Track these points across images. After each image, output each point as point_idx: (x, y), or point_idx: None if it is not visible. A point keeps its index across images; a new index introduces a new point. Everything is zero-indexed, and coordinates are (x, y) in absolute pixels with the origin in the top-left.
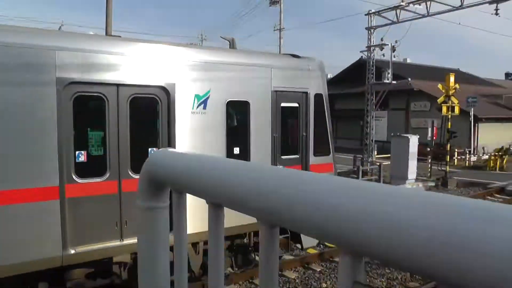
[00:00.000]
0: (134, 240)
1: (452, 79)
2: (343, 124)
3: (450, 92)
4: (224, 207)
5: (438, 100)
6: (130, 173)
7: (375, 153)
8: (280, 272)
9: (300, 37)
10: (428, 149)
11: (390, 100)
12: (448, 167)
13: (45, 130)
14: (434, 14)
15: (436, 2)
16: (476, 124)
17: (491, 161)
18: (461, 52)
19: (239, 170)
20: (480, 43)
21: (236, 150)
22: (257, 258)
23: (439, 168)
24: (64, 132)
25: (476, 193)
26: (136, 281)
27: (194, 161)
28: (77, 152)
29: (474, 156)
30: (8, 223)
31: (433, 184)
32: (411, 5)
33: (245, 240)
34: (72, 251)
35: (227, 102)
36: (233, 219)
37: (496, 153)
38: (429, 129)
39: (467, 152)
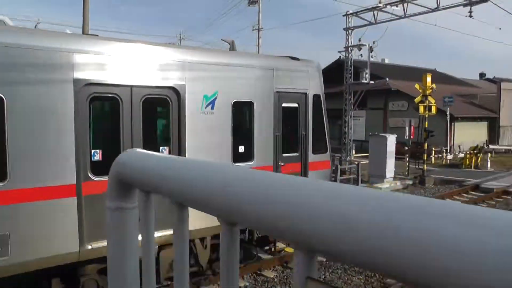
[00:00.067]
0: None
1: (429, 79)
2: None
3: (427, 92)
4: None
5: (415, 100)
6: None
7: (354, 152)
8: (259, 272)
9: (279, 37)
10: (406, 148)
11: (368, 100)
12: (425, 165)
13: (63, 130)
14: (410, 16)
15: (413, 3)
16: (453, 123)
17: (467, 159)
18: (438, 53)
19: (201, 171)
20: (455, 44)
21: (241, 149)
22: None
23: (417, 166)
24: (81, 131)
25: (452, 191)
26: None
27: (161, 161)
28: (92, 151)
29: (451, 154)
30: (31, 220)
31: (410, 182)
32: (388, 6)
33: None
34: (89, 247)
35: (233, 103)
36: None
37: (472, 151)
38: (407, 128)
39: (444, 150)
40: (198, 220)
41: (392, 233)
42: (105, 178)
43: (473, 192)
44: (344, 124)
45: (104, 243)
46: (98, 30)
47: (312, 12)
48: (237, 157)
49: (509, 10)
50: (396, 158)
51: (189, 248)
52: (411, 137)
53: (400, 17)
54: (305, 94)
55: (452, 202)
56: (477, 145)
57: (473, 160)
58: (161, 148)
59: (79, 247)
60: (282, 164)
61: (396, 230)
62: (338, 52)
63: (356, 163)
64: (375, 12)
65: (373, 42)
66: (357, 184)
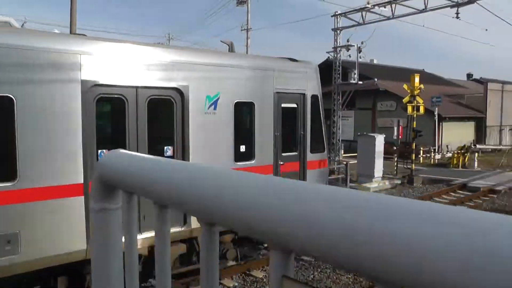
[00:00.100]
0: (151, 234)
1: (417, 79)
2: None
3: (415, 92)
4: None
5: (403, 100)
6: None
7: (342, 152)
8: (247, 272)
9: (268, 37)
10: (394, 147)
11: (357, 100)
12: (413, 165)
13: (71, 130)
14: (398, 17)
15: (401, 4)
16: (440, 123)
17: (454, 159)
18: (426, 54)
19: (182, 172)
20: (443, 45)
21: (242, 148)
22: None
23: (405, 166)
24: (88, 131)
25: (440, 190)
26: (150, 271)
27: (143, 163)
28: (99, 151)
29: (439, 154)
30: (40, 218)
31: (399, 182)
32: (376, 7)
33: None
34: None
35: (235, 103)
36: None
37: (459, 151)
38: (395, 128)
39: (432, 150)
40: None
41: (362, 232)
42: None
43: (460, 191)
44: (333, 124)
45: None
46: (85, 30)
47: (301, 13)
48: (239, 157)
49: (495, 12)
50: (384, 158)
51: (193, 245)
52: (400, 137)
53: (388, 18)
54: (304, 94)
55: (425, 202)
56: (465, 145)
57: (461, 160)
58: (165, 147)
59: (86, 245)
60: (281, 163)
61: (366, 229)
62: (327, 52)
63: (345, 163)
64: (363, 13)
65: (362, 43)
66: (346, 184)
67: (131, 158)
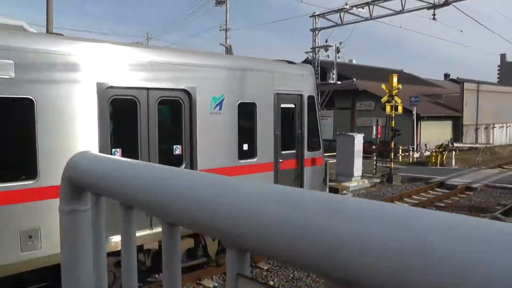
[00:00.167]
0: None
1: (395, 79)
2: None
3: (394, 92)
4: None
5: (382, 100)
6: None
7: None
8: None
9: (247, 37)
10: (373, 146)
11: (336, 100)
12: (392, 163)
13: (88, 130)
14: (376, 18)
15: (379, 6)
16: (419, 122)
17: (433, 157)
18: (405, 54)
19: (144, 173)
20: (421, 46)
21: (245, 147)
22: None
23: (384, 165)
24: (103, 132)
25: (419, 188)
26: (159, 267)
27: (109, 164)
28: (113, 150)
29: (417, 152)
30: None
31: (378, 180)
32: (354, 8)
33: None
34: (112, 240)
35: (239, 104)
36: None
37: (437, 150)
38: (374, 128)
39: (411, 149)
40: None
41: (312, 231)
42: None
43: (438, 189)
44: None
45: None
46: (63, 30)
47: (280, 13)
48: (242, 155)
49: (470, 14)
50: (363, 157)
51: (199, 240)
52: (379, 136)
53: (366, 19)
54: (301, 95)
55: (374, 202)
56: (442, 144)
57: (439, 158)
58: (174, 146)
59: None
60: (281, 161)
61: (316, 228)
62: (305, 52)
63: (324, 162)
64: (342, 14)
65: (340, 43)
66: (326, 183)
67: (98, 160)
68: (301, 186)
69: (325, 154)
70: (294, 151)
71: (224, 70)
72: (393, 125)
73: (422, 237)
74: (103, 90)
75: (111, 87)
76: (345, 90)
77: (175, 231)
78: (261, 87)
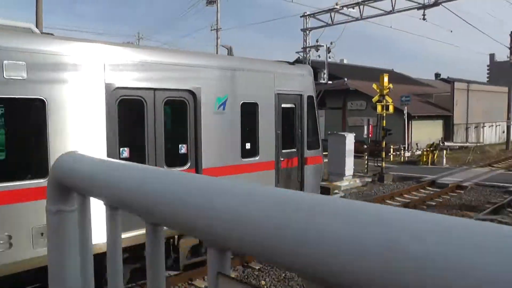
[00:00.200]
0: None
1: (386, 79)
2: None
3: (385, 92)
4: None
5: (373, 99)
6: (165, 167)
7: None
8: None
9: (238, 37)
10: (365, 146)
11: (327, 100)
12: (384, 163)
13: (97, 130)
14: (366, 18)
15: (369, 6)
16: (410, 122)
17: (424, 156)
18: (395, 54)
19: (128, 174)
20: (412, 46)
21: (248, 145)
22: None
23: (375, 164)
24: (111, 131)
25: (410, 187)
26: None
27: (94, 165)
28: (121, 149)
29: (408, 152)
30: None
31: (370, 179)
32: (345, 8)
33: None
34: (123, 236)
35: (241, 104)
36: None
37: (428, 149)
38: (365, 127)
39: (402, 148)
40: None
41: (292, 231)
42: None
43: (429, 188)
44: None
45: (133, 233)
46: (53, 29)
47: (271, 13)
48: (245, 153)
49: (459, 14)
50: (355, 156)
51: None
52: (370, 135)
53: (357, 19)
54: (301, 95)
55: (356, 202)
56: (433, 143)
57: (430, 157)
58: (180, 145)
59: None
60: (282, 159)
61: (296, 228)
62: (296, 52)
63: None
64: (332, 14)
65: (331, 43)
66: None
67: (84, 160)
68: (302, 183)
69: None
70: (295, 150)
71: (228, 71)
72: (384, 125)
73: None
74: (111, 91)
75: (119, 87)
76: (336, 90)
77: (158, 231)
78: (263, 87)
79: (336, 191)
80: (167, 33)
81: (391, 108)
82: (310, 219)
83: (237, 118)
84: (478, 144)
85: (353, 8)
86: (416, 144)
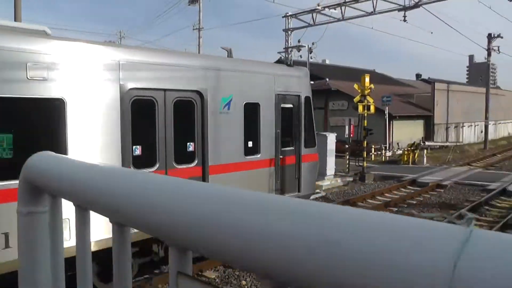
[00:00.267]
0: None
1: (367, 79)
2: None
3: (366, 92)
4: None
5: (354, 99)
6: (174, 164)
7: None
8: (200, 273)
9: (221, 37)
10: (346, 146)
11: None
12: (365, 162)
13: (112, 129)
14: (348, 19)
15: (350, 7)
16: (391, 122)
17: (405, 156)
18: (377, 55)
19: (96, 174)
20: (393, 47)
21: (250, 144)
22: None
23: (357, 163)
24: (125, 129)
25: (391, 186)
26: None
27: (66, 165)
28: (134, 147)
29: (389, 151)
30: None
31: (351, 179)
32: (326, 9)
33: None
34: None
35: (245, 104)
36: None
37: (409, 148)
38: (347, 127)
39: (383, 147)
40: None
41: (250, 231)
42: (143, 170)
43: (410, 187)
44: None
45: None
46: None
47: (253, 13)
48: (247, 151)
49: (440, 16)
50: (336, 156)
51: None
52: (351, 135)
53: (338, 20)
54: (299, 96)
55: (307, 202)
56: (414, 142)
57: (411, 156)
58: (188, 143)
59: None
60: (281, 157)
61: (255, 228)
62: (278, 53)
63: None
64: (314, 14)
65: (312, 43)
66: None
67: (55, 161)
68: (299, 180)
69: None
70: (293, 148)
71: (232, 72)
72: (365, 125)
73: (358, 237)
74: (125, 91)
75: (133, 88)
76: (318, 90)
77: (124, 231)
78: (264, 88)
79: (317, 190)
80: (149, 32)
81: (372, 108)
82: (260, 219)
83: (240, 117)
84: (457, 144)
85: (335, 9)
86: (397, 143)
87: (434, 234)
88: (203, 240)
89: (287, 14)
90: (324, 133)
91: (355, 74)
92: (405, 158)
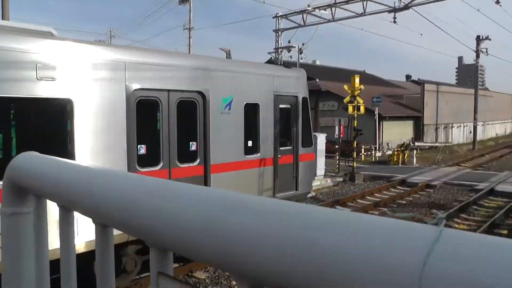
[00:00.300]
0: None
1: (357, 80)
2: None
3: (356, 93)
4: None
5: (344, 100)
6: (177, 163)
7: None
8: (190, 274)
9: (211, 37)
10: (336, 146)
11: None
12: (355, 162)
13: (118, 128)
14: (338, 20)
15: (341, 8)
16: (381, 122)
17: (395, 156)
18: (367, 55)
19: (81, 175)
20: (384, 48)
21: (250, 143)
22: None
23: (347, 164)
24: (130, 129)
25: (381, 186)
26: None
27: (50, 166)
28: (138, 146)
29: (379, 151)
30: None
31: (341, 179)
32: (317, 10)
33: None
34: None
35: (245, 104)
36: None
37: (399, 149)
38: (337, 128)
39: (373, 148)
40: None
41: (216, 231)
42: (148, 169)
43: (400, 187)
44: None
45: None
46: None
47: (244, 13)
48: (247, 150)
49: (429, 18)
50: (326, 156)
51: None
52: (341, 135)
53: (329, 21)
54: (296, 97)
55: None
56: (404, 143)
57: (400, 157)
58: (190, 143)
59: None
60: (279, 156)
61: (229, 227)
62: (268, 53)
63: None
64: (304, 15)
65: (303, 44)
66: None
67: (40, 161)
68: (297, 179)
69: None
70: (291, 147)
71: (233, 73)
72: (355, 125)
73: (334, 236)
74: (131, 92)
75: (138, 89)
76: (308, 91)
77: (107, 232)
78: (263, 89)
79: None
80: (139, 32)
81: (362, 109)
82: (236, 219)
83: (241, 117)
84: (447, 144)
85: (325, 10)
86: (387, 144)
87: (405, 233)
88: (181, 241)
89: (278, 15)
90: (314, 133)
91: (345, 75)
92: (395, 159)
